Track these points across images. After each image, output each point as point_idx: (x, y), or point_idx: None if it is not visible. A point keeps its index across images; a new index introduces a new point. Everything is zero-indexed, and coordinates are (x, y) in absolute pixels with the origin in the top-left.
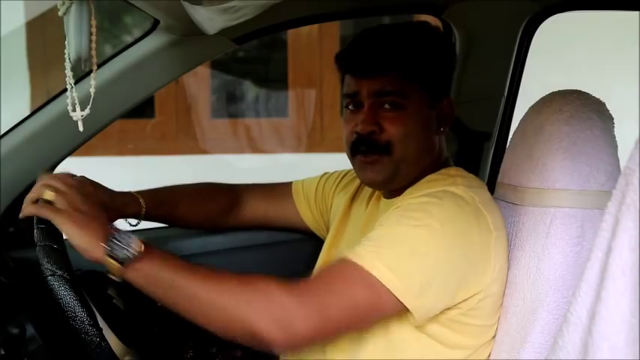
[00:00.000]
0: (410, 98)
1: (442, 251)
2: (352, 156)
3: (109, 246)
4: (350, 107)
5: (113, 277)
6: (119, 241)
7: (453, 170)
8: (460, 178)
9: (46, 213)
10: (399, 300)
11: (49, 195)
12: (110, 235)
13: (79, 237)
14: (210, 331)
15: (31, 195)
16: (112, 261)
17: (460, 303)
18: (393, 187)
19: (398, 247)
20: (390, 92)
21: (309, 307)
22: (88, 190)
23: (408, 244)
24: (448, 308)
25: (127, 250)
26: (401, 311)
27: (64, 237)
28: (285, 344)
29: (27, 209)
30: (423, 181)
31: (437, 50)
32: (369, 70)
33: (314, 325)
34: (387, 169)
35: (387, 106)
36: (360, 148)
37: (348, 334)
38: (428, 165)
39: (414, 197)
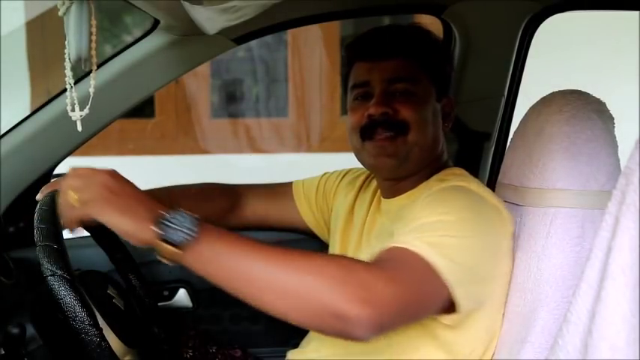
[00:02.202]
0: (420, 86)
1: (476, 239)
2: (362, 141)
3: (160, 229)
4: (359, 98)
5: (165, 262)
6: (171, 222)
7: (457, 170)
8: (468, 178)
9: (80, 213)
10: (448, 287)
11: (72, 198)
12: (160, 216)
13: (123, 222)
14: (286, 320)
15: (62, 210)
16: (166, 246)
17: (481, 302)
18: (400, 174)
19: (439, 233)
20: (402, 78)
21: (391, 285)
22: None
23: (445, 229)
24: (472, 309)
25: (183, 231)
26: (447, 305)
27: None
28: (373, 324)
29: (64, 222)
30: (431, 180)
31: (442, 50)
32: (382, 52)
33: (400, 304)
34: (401, 151)
35: (398, 94)
36: (375, 130)
37: (420, 319)
38: (431, 159)
39: (430, 190)
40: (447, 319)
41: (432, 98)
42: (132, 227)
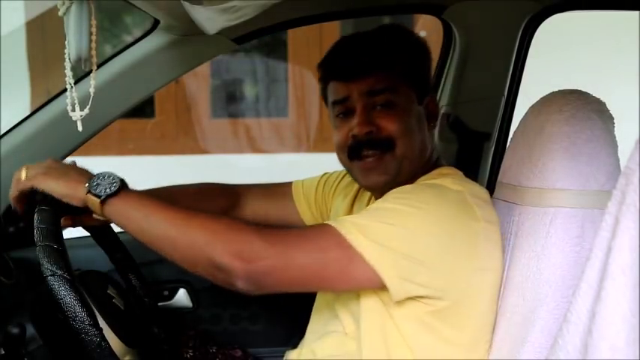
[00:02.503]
0: (400, 95)
1: (420, 227)
2: (350, 161)
3: (89, 184)
4: (340, 115)
5: (95, 216)
6: (101, 180)
7: (445, 170)
8: (452, 176)
9: (24, 183)
10: (370, 265)
11: (23, 173)
12: (94, 176)
13: (59, 186)
14: (180, 266)
15: (13, 184)
16: (92, 198)
17: (445, 291)
18: (393, 187)
19: (377, 218)
20: (381, 90)
21: (275, 246)
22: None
23: (387, 216)
24: (435, 298)
25: (105, 186)
26: (378, 286)
27: (48, 192)
28: (246, 276)
29: (11, 193)
30: (418, 180)
31: (416, 47)
32: (357, 71)
33: (277, 263)
34: (391, 167)
35: (379, 107)
36: (361, 151)
37: (315, 288)
38: (424, 162)
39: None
40: (388, 295)
41: (414, 103)
42: (67, 189)
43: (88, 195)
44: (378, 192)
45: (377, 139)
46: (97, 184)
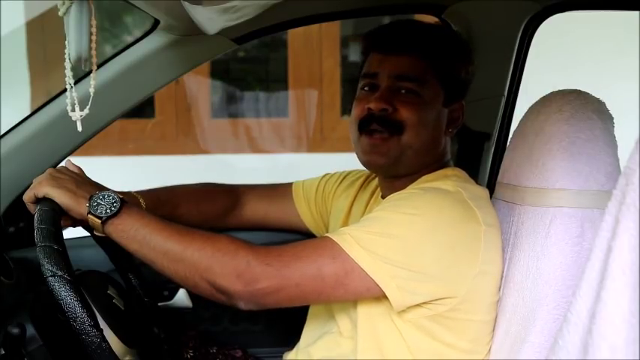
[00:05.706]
0: (427, 88)
1: (418, 236)
2: (359, 134)
3: (90, 204)
4: (365, 88)
5: (96, 233)
6: (101, 200)
7: (449, 170)
8: (454, 177)
9: (37, 188)
10: (369, 276)
11: (43, 177)
12: (94, 195)
13: (65, 197)
14: (180, 285)
15: (32, 186)
16: (93, 217)
17: (446, 297)
18: (391, 173)
19: (373, 228)
20: (409, 77)
21: (271, 266)
22: (75, 168)
23: (384, 226)
24: (435, 302)
25: (106, 207)
26: (378, 295)
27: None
28: (247, 298)
29: (26, 197)
30: (419, 181)
31: (462, 52)
32: (394, 46)
33: (275, 283)
34: (393, 151)
35: (403, 91)
36: (370, 126)
37: (315, 301)
38: (430, 161)
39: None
40: (387, 303)
41: (439, 102)
42: (71, 202)
43: (89, 215)
44: (376, 173)
45: (389, 119)
46: (98, 204)
